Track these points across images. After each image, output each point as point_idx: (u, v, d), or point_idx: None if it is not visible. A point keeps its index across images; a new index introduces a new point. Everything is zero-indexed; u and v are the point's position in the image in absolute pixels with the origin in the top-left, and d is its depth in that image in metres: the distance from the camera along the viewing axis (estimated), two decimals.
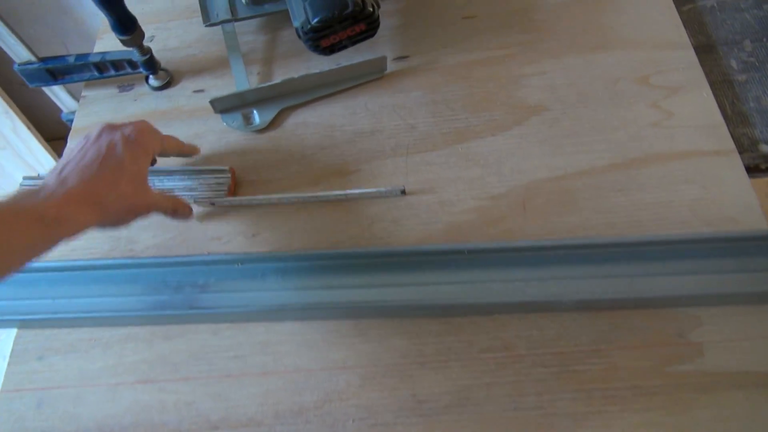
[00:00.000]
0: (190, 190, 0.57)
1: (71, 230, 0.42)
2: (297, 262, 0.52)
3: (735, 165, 0.55)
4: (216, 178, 0.57)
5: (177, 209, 0.53)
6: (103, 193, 0.44)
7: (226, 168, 0.58)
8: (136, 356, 0.51)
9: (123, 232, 0.58)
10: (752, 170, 0.57)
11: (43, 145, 1.29)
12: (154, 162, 0.57)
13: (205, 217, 0.58)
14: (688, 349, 0.46)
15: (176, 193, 0.57)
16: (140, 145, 0.48)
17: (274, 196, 0.56)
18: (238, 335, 0.51)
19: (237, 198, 0.57)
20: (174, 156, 0.57)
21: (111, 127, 0.48)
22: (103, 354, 0.52)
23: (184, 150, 0.58)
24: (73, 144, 0.50)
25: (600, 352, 0.47)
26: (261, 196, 0.56)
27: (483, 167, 0.58)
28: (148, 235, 0.57)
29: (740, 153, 0.56)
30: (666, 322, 0.48)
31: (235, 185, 0.58)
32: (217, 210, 0.58)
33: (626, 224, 0.52)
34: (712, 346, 0.46)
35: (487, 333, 0.49)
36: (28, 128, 1.31)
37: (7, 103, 1.25)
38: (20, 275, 0.53)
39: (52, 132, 1.35)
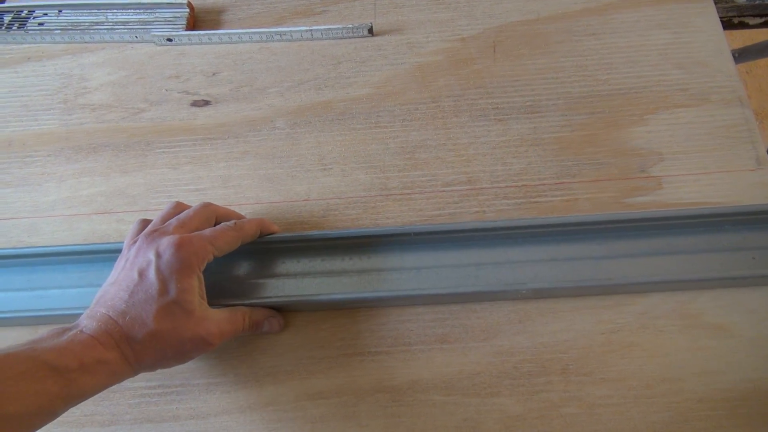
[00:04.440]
0: (145, 24, 0.54)
1: (99, 381, 0.34)
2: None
3: (708, 11, 0.54)
4: (173, 11, 0.54)
5: (258, 324, 0.42)
6: (132, 335, 0.35)
7: (184, 1, 0.54)
8: (92, 189, 0.50)
9: (74, 70, 0.55)
10: (724, 25, 0.56)
11: None
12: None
13: (163, 54, 0.55)
14: (648, 182, 0.47)
15: (130, 27, 0.54)
16: (180, 262, 0.37)
17: (236, 32, 0.54)
18: (199, 170, 0.50)
19: (196, 33, 0.54)
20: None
21: (148, 238, 0.38)
22: (57, 187, 0.50)
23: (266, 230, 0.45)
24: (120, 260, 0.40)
25: (562, 185, 0.47)
26: (222, 31, 0.54)
27: (454, 10, 0.56)
28: (102, 72, 0.54)
29: (715, 3, 0.55)
30: (630, 158, 0.48)
31: (194, 21, 0.55)
32: (174, 47, 0.55)
33: (597, 66, 0.52)
34: (671, 180, 0.47)
35: (452, 168, 0.49)
36: None
37: None
38: None
39: None
